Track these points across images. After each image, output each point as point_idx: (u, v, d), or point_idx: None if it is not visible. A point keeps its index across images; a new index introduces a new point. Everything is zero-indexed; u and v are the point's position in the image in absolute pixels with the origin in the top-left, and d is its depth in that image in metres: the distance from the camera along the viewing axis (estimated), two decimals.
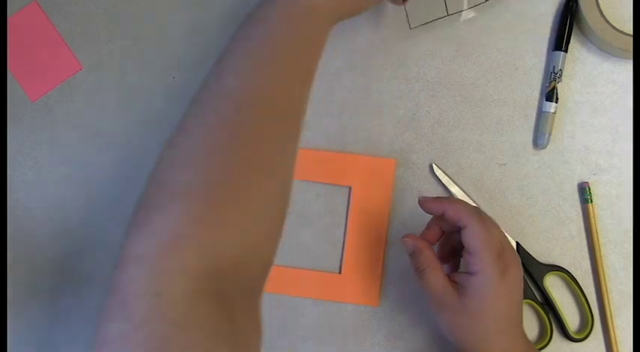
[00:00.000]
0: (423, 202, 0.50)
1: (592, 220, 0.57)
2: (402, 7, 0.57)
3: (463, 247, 0.48)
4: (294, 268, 0.58)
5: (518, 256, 0.49)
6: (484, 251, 0.46)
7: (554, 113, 0.58)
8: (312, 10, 0.46)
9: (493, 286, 0.46)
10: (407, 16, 0.58)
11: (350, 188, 0.59)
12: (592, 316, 0.56)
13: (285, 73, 0.44)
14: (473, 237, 0.47)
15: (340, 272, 0.58)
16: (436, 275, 0.48)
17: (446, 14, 0.58)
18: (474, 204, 0.57)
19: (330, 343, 0.57)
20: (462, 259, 0.51)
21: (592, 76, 0.59)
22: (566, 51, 0.58)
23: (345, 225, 0.59)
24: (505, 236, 0.49)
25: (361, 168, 0.59)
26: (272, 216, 0.41)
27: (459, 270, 0.52)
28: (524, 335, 0.50)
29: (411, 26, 0.58)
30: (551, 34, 0.59)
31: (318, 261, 0.59)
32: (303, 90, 0.46)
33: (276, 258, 0.58)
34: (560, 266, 0.57)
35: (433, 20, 0.58)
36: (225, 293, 0.37)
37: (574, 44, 0.59)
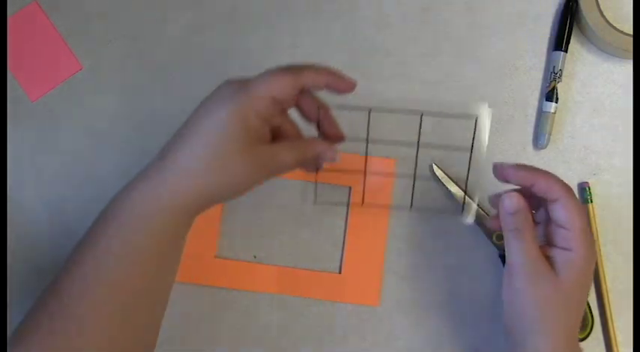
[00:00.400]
0: (511, 171, 0.46)
1: (592, 220, 0.57)
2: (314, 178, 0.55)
3: (545, 219, 0.47)
4: (294, 268, 0.58)
5: None
6: (580, 226, 0.45)
7: (554, 113, 0.58)
8: (167, 204, 0.43)
9: (587, 264, 0.45)
10: (315, 190, 0.57)
11: (350, 188, 0.59)
12: (592, 316, 0.56)
13: (131, 276, 0.43)
14: (569, 212, 0.45)
15: (340, 272, 0.58)
16: (533, 239, 0.45)
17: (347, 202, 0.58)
18: (475, 204, 0.57)
19: (330, 343, 0.57)
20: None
21: (592, 76, 0.59)
22: (566, 51, 0.58)
23: (345, 225, 0.59)
24: None
25: (361, 168, 0.59)
26: None
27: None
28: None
29: (316, 202, 0.58)
30: (551, 34, 0.59)
31: (318, 261, 0.59)
32: (159, 288, 0.46)
33: (277, 258, 0.58)
34: None
35: (341, 203, 0.58)
36: None
37: (574, 44, 0.59)
